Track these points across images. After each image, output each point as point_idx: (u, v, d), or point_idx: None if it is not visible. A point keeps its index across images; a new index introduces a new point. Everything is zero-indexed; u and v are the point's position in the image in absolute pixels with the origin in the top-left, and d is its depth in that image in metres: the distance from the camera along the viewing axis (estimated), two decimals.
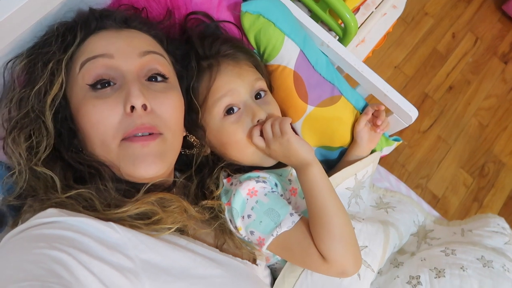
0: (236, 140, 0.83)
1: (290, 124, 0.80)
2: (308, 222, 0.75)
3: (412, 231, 1.08)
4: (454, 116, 2.06)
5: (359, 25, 1.13)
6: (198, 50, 0.86)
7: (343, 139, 1.01)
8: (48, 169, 0.68)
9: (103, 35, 0.73)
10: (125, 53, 0.71)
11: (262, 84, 0.87)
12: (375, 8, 1.18)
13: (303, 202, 0.83)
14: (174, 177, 0.83)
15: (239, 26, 0.93)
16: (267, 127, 0.80)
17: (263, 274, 0.83)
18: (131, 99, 0.67)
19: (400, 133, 1.58)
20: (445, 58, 2.14)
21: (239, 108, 0.83)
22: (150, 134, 0.69)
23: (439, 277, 0.87)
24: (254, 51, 0.95)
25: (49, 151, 0.70)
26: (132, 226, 0.65)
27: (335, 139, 1.01)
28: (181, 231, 0.73)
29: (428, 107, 2.05)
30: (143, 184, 0.71)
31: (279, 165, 0.88)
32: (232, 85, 0.82)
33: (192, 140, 0.85)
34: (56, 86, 0.69)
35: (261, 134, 0.81)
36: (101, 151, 0.69)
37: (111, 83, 0.70)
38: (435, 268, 0.89)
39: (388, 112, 0.98)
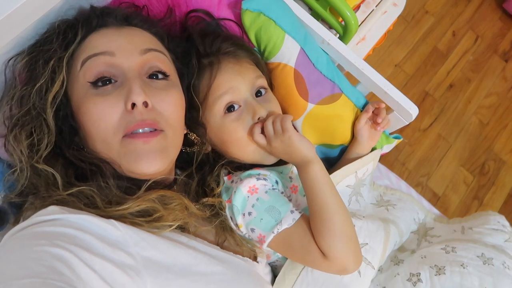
0: (237, 137, 0.83)
1: (291, 121, 0.80)
2: (309, 219, 0.76)
3: (412, 229, 1.08)
4: (454, 114, 2.06)
5: (359, 23, 1.13)
6: (198, 48, 0.86)
7: (344, 137, 1.01)
8: (49, 166, 0.68)
9: (104, 33, 0.73)
10: (126, 50, 0.71)
11: (262, 81, 0.87)
12: (376, 6, 1.18)
13: (303, 200, 0.83)
14: (175, 175, 0.83)
15: (240, 24, 0.93)
16: (268, 125, 0.80)
17: (263, 271, 0.83)
18: (132, 96, 0.67)
19: (401, 131, 1.58)
20: (446, 56, 2.14)
21: (240, 106, 0.83)
22: (151, 131, 0.69)
23: (439, 274, 0.88)
24: (255, 49, 0.95)
25: (50, 149, 0.70)
26: (133, 224, 0.65)
27: (336, 137, 1.01)
28: (182, 229, 0.73)
29: (428, 105, 2.05)
30: (144, 182, 0.71)
31: (280, 162, 0.88)
32: (233, 83, 0.82)
33: (193, 137, 0.85)
34: (57, 84, 0.69)
35: (262, 132, 0.81)
36: (102, 148, 0.70)
37: (112, 81, 0.70)
38: (435, 265, 0.90)
39: (388, 110, 0.98)
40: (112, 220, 0.62)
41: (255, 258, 0.82)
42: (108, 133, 0.68)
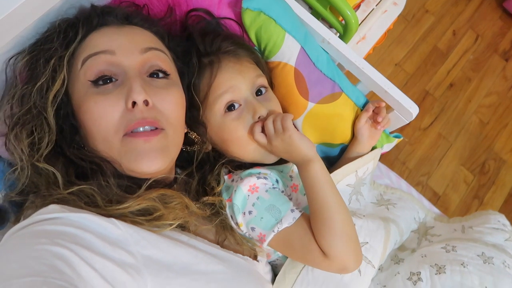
0: (237, 136, 0.83)
1: (291, 120, 0.80)
2: (309, 218, 0.76)
3: (412, 228, 1.08)
4: (454, 113, 2.06)
5: (359, 22, 1.13)
6: (199, 47, 0.86)
7: (344, 136, 1.01)
8: (50, 165, 0.68)
9: (105, 32, 0.73)
10: (126, 49, 0.71)
11: (263, 80, 0.87)
12: (376, 5, 1.18)
13: (304, 199, 0.83)
14: (175, 174, 0.83)
15: (240, 23, 0.93)
16: (269, 124, 0.80)
17: (264, 270, 0.83)
18: (132, 95, 0.67)
19: (401, 130, 1.58)
20: (446, 55, 2.14)
21: (240, 105, 0.83)
22: (152, 130, 0.69)
23: (439, 273, 0.88)
24: (255, 48, 0.95)
25: (51, 147, 0.70)
26: (134, 222, 0.65)
27: (336, 136, 1.01)
28: (182, 228, 0.73)
29: (428, 105, 2.05)
30: (144, 181, 0.71)
31: (280, 161, 0.88)
32: (233, 82, 0.82)
33: (193, 136, 0.85)
34: (58, 83, 0.69)
35: (263, 131, 0.81)
36: (103, 147, 0.70)
37: (113, 79, 0.70)
38: (435, 264, 0.90)
39: (388, 108, 0.98)
40: (113, 219, 0.62)
41: (255, 257, 0.82)
42: (109, 131, 0.68)
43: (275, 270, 0.89)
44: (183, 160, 0.87)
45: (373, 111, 0.97)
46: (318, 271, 0.82)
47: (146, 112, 0.68)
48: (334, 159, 1.06)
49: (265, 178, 0.81)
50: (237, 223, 0.79)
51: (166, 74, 0.75)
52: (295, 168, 0.86)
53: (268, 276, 0.85)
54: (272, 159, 0.86)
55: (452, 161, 1.98)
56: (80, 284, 0.52)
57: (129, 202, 0.66)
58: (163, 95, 0.72)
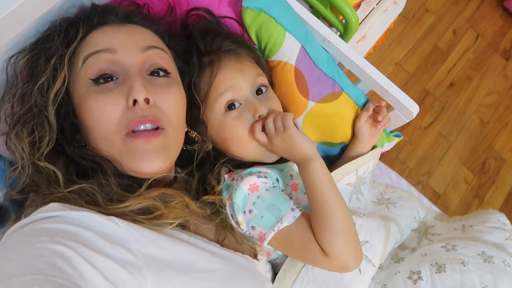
0: (237, 135, 0.83)
1: (292, 119, 0.80)
2: (309, 217, 0.76)
3: (413, 227, 1.08)
4: (455, 112, 2.06)
5: (360, 21, 1.13)
6: (199, 46, 0.86)
7: (344, 135, 1.01)
8: (50, 164, 0.68)
9: (106, 30, 0.73)
10: (127, 47, 0.71)
11: (263, 79, 0.87)
12: (376, 4, 1.18)
13: (304, 198, 0.83)
14: (176, 173, 0.83)
15: (240, 22, 0.93)
16: (269, 123, 0.80)
17: (264, 269, 0.83)
18: (133, 93, 0.67)
19: (401, 129, 1.58)
20: (446, 54, 2.14)
21: (240, 104, 0.83)
22: (153, 129, 0.69)
23: (440, 272, 0.88)
24: (255, 47, 0.95)
25: (51, 146, 0.70)
26: (134, 221, 0.65)
27: (336, 135, 1.01)
28: (183, 226, 0.73)
29: (429, 104, 2.05)
30: (145, 179, 0.71)
31: (281, 160, 0.88)
32: (234, 81, 0.82)
33: (194, 135, 0.85)
34: (59, 81, 0.69)
35: (263, 130, 0.81)
36: (104, 146, 0.70)
37: (114, 78, 0.70)
38: (436, 263, 0.90)
39: (389, 108, 0.98)
40: (113, 217, 0.62)
41: (255, 256, 0.82)
42: (109, 130, 0.68)
43: (275, 269, 0.89)
44: (184, 159, 0.86)
45: (373, 110, 0.97)
46: (318, 270, 0.82)
47: (147, 110, 0.68)
48: (334, 158, 1.06)
49: (265, 177, 0.80)
50: (237, 222, 0.79)
51: (166, 73, 0.75)
52: (295, 167, 0.86)
53: (268, 275, 0.85)
54: (273, 158, 0.86)
55: (452, 160, 1.98)
56: (80, 282, 0.52)
57: (129, 201, 0.66)
58: (164, 94, 0.72)
